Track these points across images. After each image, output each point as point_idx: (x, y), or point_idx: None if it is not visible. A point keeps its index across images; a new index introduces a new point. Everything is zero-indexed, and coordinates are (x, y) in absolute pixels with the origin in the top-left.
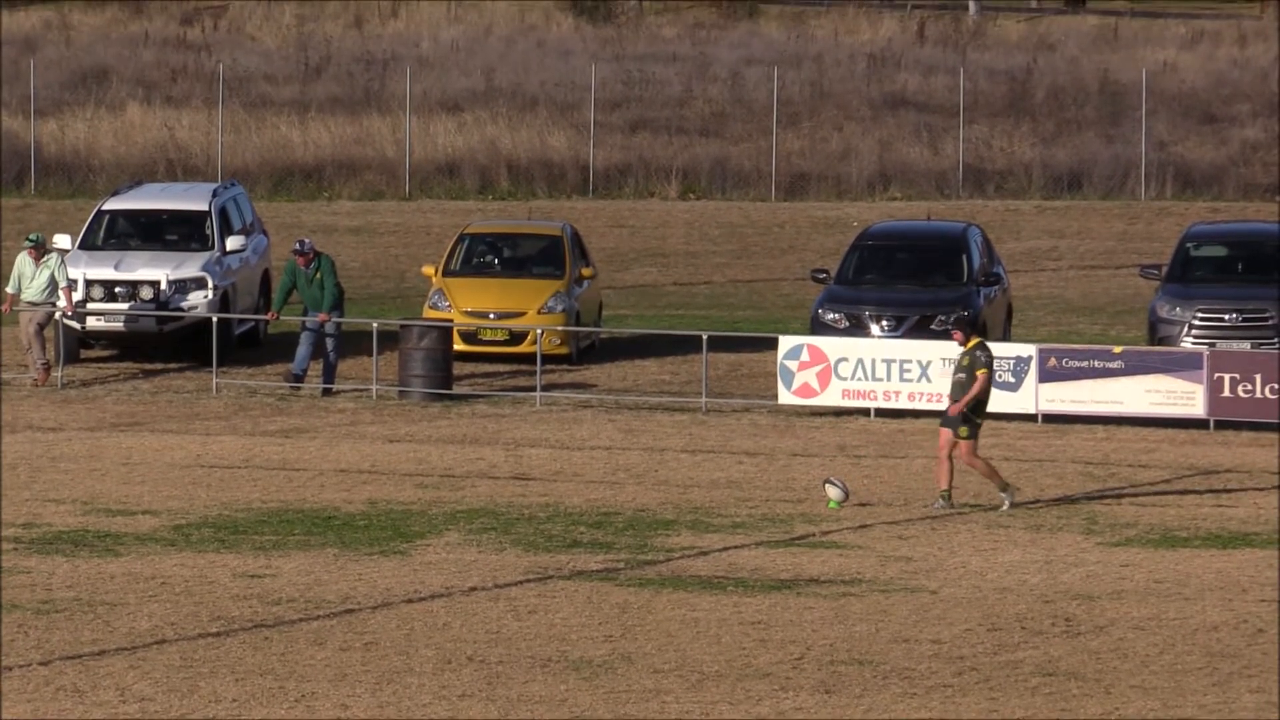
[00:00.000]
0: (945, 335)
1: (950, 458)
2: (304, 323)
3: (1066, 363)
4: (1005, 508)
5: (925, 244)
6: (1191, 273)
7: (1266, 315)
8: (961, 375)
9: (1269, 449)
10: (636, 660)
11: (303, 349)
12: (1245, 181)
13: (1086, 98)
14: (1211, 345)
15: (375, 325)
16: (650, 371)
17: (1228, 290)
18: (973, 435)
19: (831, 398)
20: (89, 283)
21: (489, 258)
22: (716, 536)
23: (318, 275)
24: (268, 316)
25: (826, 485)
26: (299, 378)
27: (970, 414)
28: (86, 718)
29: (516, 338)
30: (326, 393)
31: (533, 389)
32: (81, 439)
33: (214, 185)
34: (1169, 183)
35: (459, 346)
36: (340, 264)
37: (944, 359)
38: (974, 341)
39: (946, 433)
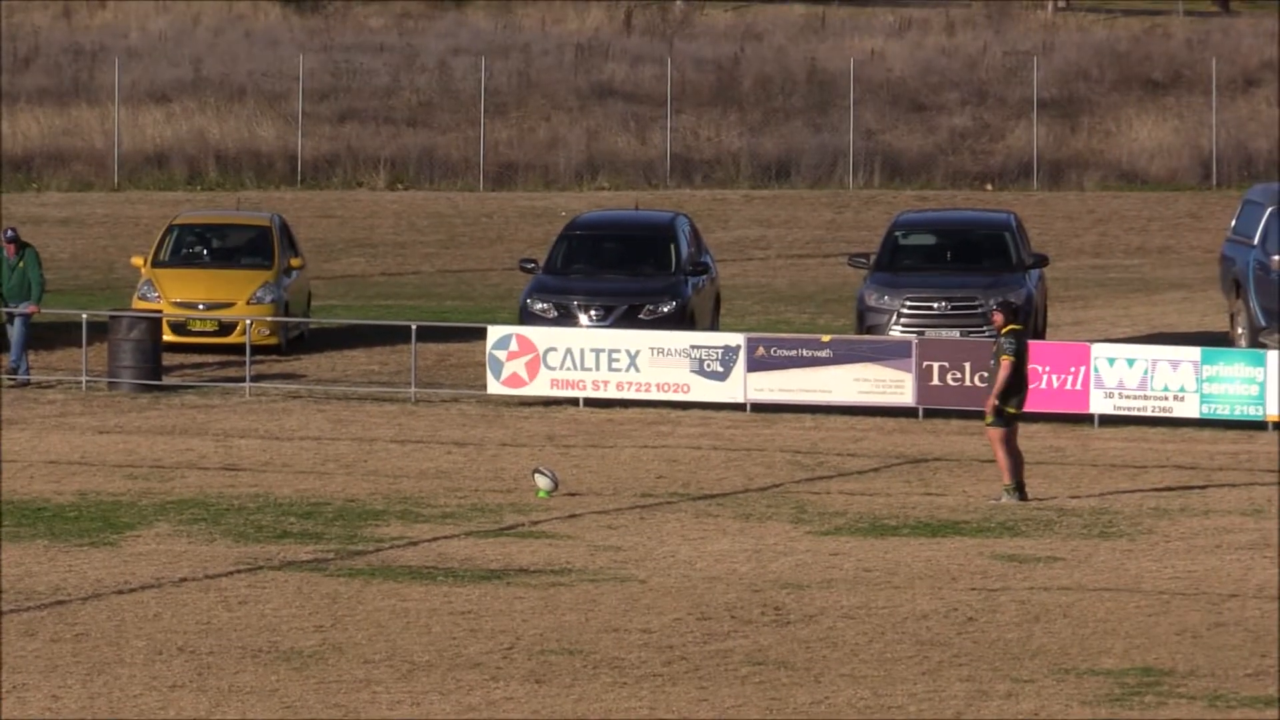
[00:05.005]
0: (653, 325)
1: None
2: (8, 314)
3: (775, 351)
4: (997, 501)
5: (633, 233)
6: (900, 261)
7: (975, 303)
8: (993, 362)
9: (977, 437)
10: (347, 650)
11: (16, 344)
12: (954, 169)
13: (794, 87)
14: (920, 334)
15: (85, 316)
16: (359, 361)
17: (936, 279)
18: (1002, 424)
19: (540, 387)
20: None
21: (198, 248)
22: (426, 526)
23: (20, 265)
24: None
25: (536, 475)
26: (15, 371)
27: (1001, 403)
28: None
29: (226, 328)
30: (25, 384)
31: (242, 379)
32: None
33: None
34: (877, 171)
35: (168, 337)
36: (49, 255)
37: (652, 348)
38: (1007, 328)
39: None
